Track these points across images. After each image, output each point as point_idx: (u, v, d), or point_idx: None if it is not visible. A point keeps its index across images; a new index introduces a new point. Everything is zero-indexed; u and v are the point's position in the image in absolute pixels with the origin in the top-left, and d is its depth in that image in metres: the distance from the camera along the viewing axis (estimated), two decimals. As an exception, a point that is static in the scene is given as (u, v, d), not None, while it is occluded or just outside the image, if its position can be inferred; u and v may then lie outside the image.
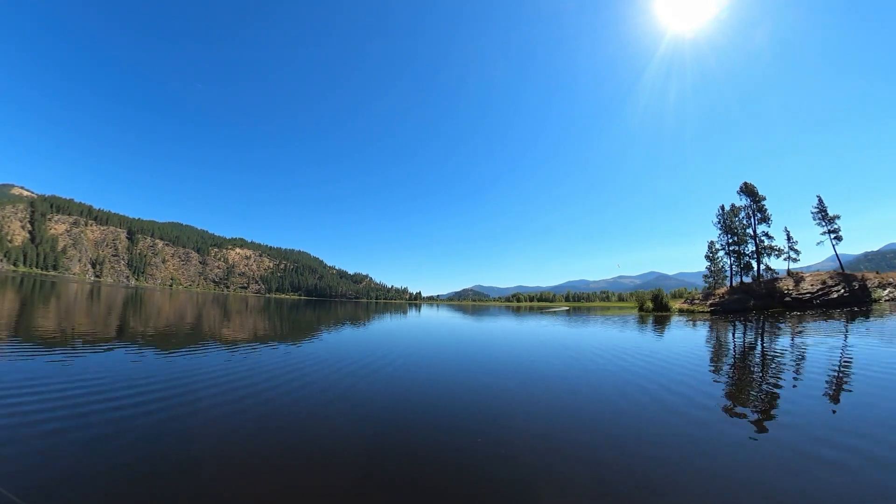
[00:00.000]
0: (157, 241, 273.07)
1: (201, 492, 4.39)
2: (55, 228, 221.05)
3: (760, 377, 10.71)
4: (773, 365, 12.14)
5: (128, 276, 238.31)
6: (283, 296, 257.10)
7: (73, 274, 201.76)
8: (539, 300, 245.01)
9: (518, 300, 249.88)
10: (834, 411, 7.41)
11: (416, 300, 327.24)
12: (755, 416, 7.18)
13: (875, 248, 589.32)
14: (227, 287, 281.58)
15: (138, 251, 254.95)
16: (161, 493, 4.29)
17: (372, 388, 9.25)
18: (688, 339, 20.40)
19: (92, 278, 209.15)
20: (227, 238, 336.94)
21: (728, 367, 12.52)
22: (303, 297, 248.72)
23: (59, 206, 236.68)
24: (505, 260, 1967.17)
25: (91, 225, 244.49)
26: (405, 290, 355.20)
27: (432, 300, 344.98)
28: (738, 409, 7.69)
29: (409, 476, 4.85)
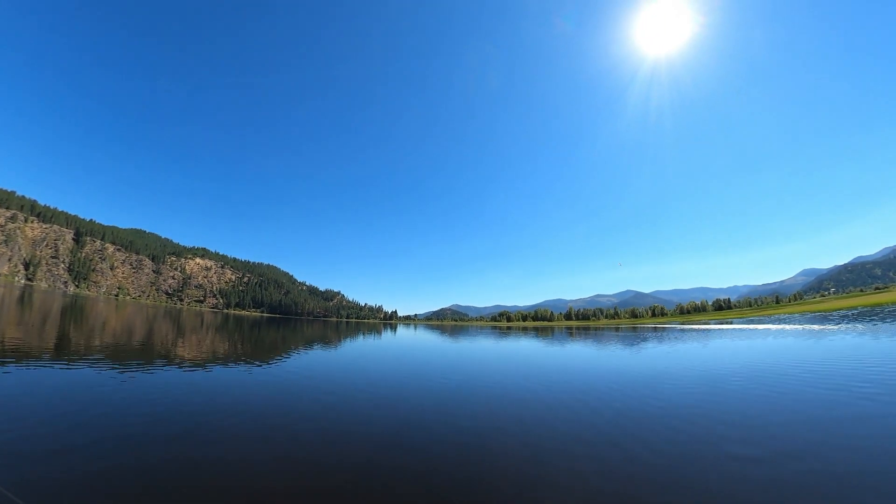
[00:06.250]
0: (108, 245, 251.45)
1: (196, 495, 4.79)
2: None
3: None
4: None
5: (66, 282, 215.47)
6: (242, 312, 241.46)
7: None
8: (533, 318, 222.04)
9: (508, 319, 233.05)
10: None
11: (391, 319, 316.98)
12: None
13: (843, 262, 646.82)
14: (181, 300, 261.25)
15: (83, 255, 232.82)
16: (157, 494, 4.71)
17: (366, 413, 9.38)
18: None
19: (22, 282, 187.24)
20: (188, 247, 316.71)
21: None
22: (265, 315, 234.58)
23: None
24: (482, 280, 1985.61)
25: (32, 221, 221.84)
26: (380, 309, 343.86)
27: (409, 319, 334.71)
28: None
29: (401, 488, 5.19)
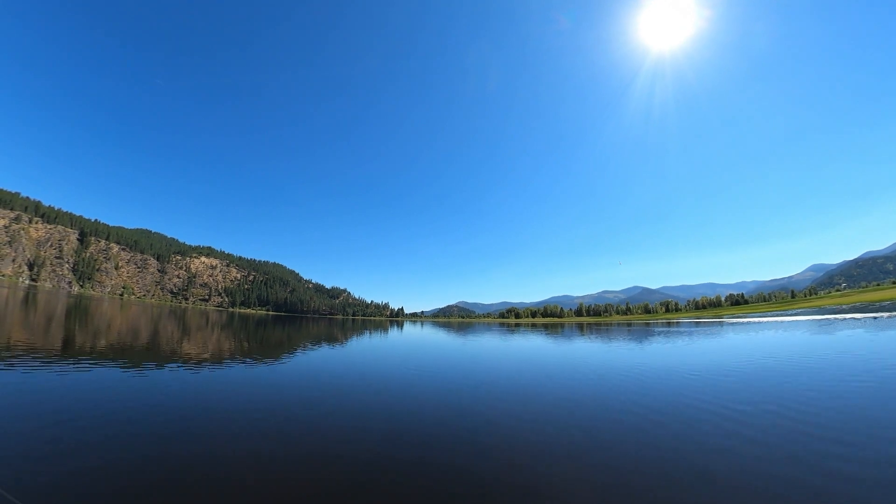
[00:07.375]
0: (112, 244, 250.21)
1: (198, 494, 4.80)
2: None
3: None
4: None
5: (70, 282, 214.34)
6: (248, 310, 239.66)
7: (3, 276, 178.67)
8: (543, 315, 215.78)
9: (516, 315, 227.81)
10: None
11: (397, 317, 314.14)
12: None
13: (852, 257, 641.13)
14: (186, 299, 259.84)
15: (88, 255, 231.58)
16: (159, 494, 4.73)
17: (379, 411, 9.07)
18: None
19: (27, 282, 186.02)
20: (193, 246, 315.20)
21: None
22: (270, 313, 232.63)
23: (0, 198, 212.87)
24: (488, 277, 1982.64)
25: (37, 222, 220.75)
26: (386, 306, 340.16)
27: (416, 317, 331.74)
28: None
29: (406, 487, 5.17)
